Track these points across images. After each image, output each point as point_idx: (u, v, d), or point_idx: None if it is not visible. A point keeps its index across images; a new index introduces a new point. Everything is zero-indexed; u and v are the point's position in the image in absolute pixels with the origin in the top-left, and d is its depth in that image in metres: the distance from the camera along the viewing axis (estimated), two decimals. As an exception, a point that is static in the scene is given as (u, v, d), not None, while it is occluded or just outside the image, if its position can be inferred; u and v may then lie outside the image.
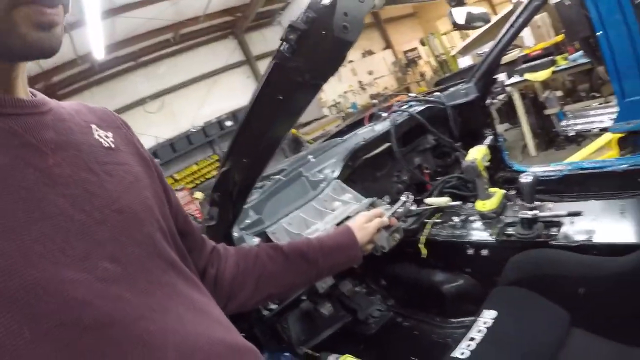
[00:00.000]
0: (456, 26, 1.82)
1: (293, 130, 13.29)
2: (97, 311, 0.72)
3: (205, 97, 12.50)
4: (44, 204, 0.74)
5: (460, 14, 1.81)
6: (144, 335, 0.77)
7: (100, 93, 11.30)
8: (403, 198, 1.77)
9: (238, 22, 13.06)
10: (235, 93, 13.17)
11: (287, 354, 1.91)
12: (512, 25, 2.29)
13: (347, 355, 1.86)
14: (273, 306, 1.83)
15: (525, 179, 1.68)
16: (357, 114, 14.85)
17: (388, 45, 17.87)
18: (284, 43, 0.99)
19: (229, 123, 12.24)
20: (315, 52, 0.98)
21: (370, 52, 17.15)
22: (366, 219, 1.58)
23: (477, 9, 1.87)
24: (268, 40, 14.37)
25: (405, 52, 17.64)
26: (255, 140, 1.29)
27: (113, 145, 0.97)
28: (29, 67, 0.86)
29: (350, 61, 16.37)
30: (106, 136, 0.97)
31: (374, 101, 15.64)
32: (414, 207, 1.88)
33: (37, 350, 0.65)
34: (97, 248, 0.78)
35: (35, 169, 0.76)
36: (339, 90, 15.84)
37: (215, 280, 1.23)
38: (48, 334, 0.66)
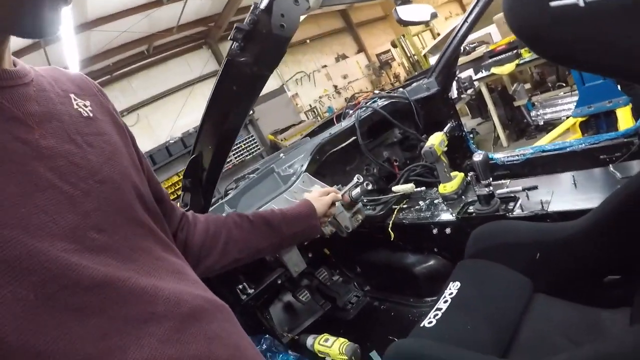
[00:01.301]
0: (400, 22, 1.90)
1: (271, 137, 13.36)
2: (91, 274, 0.75)
3: (181, 108, 12.36)
4: (34, 178, 0.76)
5: (404, 12, 1.90)
6: (136, 292, 0.81)
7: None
8: (355, 179, 1.84)
9: (211, 32, 13.02)
10: (211, 102, 13.17)
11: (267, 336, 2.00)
12: (465, 20, 2.39)
13: (325, 334, 1.94)
14: (250, 290, 1.92)
15: (477, 157, 1.78)
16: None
17: (361, 48, 17.91)
18: (233, 42, 1.10)
19: (207, 134, 12.15)
20: (259, 47, 1.13)
21: (343, 57, 17.19)
22: (321, 193, 1.68)
23: (422, 6, 1.96)
24: (242, 49, 14.43)
25: (378, 54, 17.74)
26: (217, 128, 1.42)
27: (92, 115, 0.98)
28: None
29: (324, 66, 16.42)
30: (85, 105, 0.98)
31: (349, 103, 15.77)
32: (369, 187, 1.96)
33: (43, 313, 0.69)
34: (84, 219, 0.80)
35: (22, 143, 0.78)
36: (315, 95, 15.84)
37: (184, 244, 1.27)
38: (52, 297, 0.70)
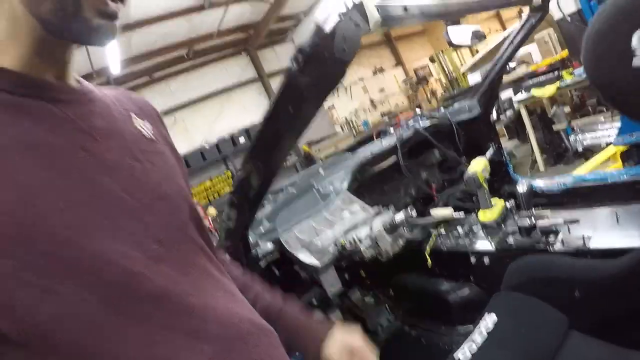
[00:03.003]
0: (451, 45, 1.89)
1: (305, 147, 13.38)
2: (151, 284, 0.79)
3: (218, 113, 12.50)
4: (99, 187, 0.80)
5: (455, 33, 1.89)
6: (189, 308, 0.83)
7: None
8: None
9: (251, 39, 13.12)
10: (247, 110, 13.22)
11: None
12: (511, 42, 2.38)
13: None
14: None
15: (521, 187, 1.77)
16: (368, 131, 14.98)
17: (399, 62, 17.90)
18: (293, 62, 1.11)
19: (242, 140, 12.12)
20: (319, 70, 1.13)
21: (381, 70, 17.20)
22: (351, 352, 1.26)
23: (472, 27, 1.94)
24: (280, 57, 14.41)
25: (416, 69, 17.72)
26: (270, 146, 1.44)
27: (152, 135, 1.03)
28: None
29: (362, 79, 16.45)
30: (145, 126, 1.03)
31: (385, 118, 15.74)
32: (414, 213, 1.95)
33: (102, 317, 0.72)
34: (145, 230, 0.84)
35: (89, 154, 0.82)
36: (351, 108, 15.86)
37: None
38: (110, 302, 0.73)
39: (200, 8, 9.76)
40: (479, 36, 1.90)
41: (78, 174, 0.78)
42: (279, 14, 11.78)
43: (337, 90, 15.64)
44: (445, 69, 14.53)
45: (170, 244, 0.88)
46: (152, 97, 11.47)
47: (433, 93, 16.49)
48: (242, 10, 11.04)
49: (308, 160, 13.50)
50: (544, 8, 2.10)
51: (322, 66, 1.15)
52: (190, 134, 12.20)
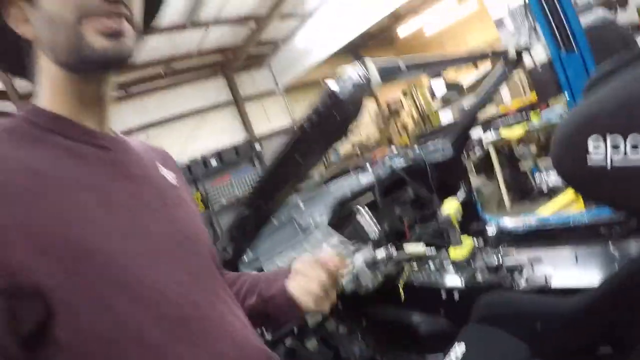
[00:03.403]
0: (433, 96, 2.05)
1: (276, 174, 13.48)
2: (182, 309, 0.91)
3: (191, 134, 12.35)
4: (142, 225, 0.93)
5: (437, 86, 2.04)
6: (213, 333, 0.95)
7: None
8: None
9: (229, 62, 13.20)
10: (221, 132, 13.27)
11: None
12: (484, 90, 2.57)
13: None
14: (268, 336, 2.02)
15: (489, 228, 1.92)
16: (339, 161, 15.14)
17: (371, 94, 18.21)
18: (307, 117, 1.30)
19: (214, 162, 12.16)
20: (329, 127, 1.29)
21: (354, 101, 17.45)
22: (311, 264, 1.29)
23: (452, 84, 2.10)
24: (257, 82, 14.47)
25: (388, 102, 17.99)
26: (275, 189, 1.59)
27: (175, 183, 1.16)
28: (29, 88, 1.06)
29: (335, 109, 16.69)
30: (168, 174, 1.16)
31: (356, 148, 15.92)
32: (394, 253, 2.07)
33: (145, 333, 0.83)
34: (178, 263, 0.96)
35: (129, 195, 0.95)
36: (323, 137, 16.07)
37: None
38: (153, 320, 0.85)
39: (182, 27, 9.80)
40: (458, 89, 2.06)
41: (126, 213, 0.90)
42: (258, 39, 11.93)
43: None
44: (417, 104, 14.76)
45: (196, 275, 0.99)
46: (126, 112, 11.41)
47: (404, 127, 16.72)
48: (222, 32, 11.09)
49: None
50: (517, 61, 2.29)
51: (332, 124, 1.32)
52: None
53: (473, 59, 2.11)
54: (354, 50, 16.91)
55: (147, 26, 1.18)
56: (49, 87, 0.95)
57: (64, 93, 0.94)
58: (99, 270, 0.80)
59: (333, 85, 1.29)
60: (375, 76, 1.32)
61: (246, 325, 1.09)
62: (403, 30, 16.53)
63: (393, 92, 18.01)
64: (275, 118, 14.84)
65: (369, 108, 17.61)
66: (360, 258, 1.99)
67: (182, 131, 12.55)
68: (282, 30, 12.59)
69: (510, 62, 2.30)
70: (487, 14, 7.92)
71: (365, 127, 17.32)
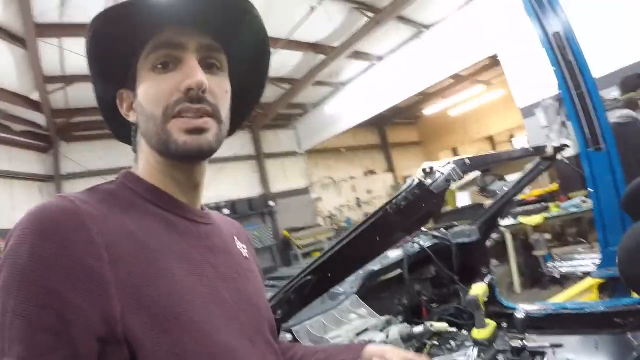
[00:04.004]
0: (483, 192, 2.19)
1: (285, 233, 13.53)
2: None
3: (209, 181, 12.48)
4: (218, 292, 1.00)
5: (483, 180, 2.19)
6: None
7: (112, 148, 10.82)
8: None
9: (257, 119, 13.50)
10: (238, 184, 13.49)
11: None
12: (518, 183, 2.72)
13: None
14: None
15: (519, 314, 2.03)
16: (350, 228, 15.20)
17: (390, 168, 18.44)
18: (393, 202, 1.45)
19: (226, 211, 12.21)
20: (413, 215, 1.43)
21: (372, 172, 17.62)
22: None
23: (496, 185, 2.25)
24: (281, 141, 14.91)
25: (406, 177, 18.18)
26: (345, 263, 1.71)
27: (247, 256, 1.26)
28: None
29: (353, 177, 16.84)
30: (243, 247, 1.26)
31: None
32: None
33: None
34: (242, 329, 1.01)
35: (211, 266, 1.02)
36: (337, 203, 16.16)
37: None
38: None
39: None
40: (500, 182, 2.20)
41: (207, 282, 0.98)
42: (290, 101, 12.28)
43: (328, 184, 15.99)
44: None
45: (256, 343, 1.05)
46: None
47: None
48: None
49: (285, 245, 13.65)
50: (553, 158, 2.45)
51: (417, 213, 1.45)
52: None
53: (518, 157, 2.26)
54: (379, 123, 17.31)
55: (239, 124, 1.30)
56: (146, 164, 1.07)
57: (159, 172, 1.06)
58: (182, 330, 0.86)
59: (425, 179, 1.44)
60: (459, 172, 1.47)
61: None
62: (428, 110, 16.89)
63: (412, 169, 18.26)
64: (293, 178, 15.06)
65: (386, 180, 17.80)
66: (396, 330, 2.09)
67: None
68: (314, 96, 12.93)
69: (547, 158, 2.46)
70: (511, 101, 8.14)
71: (380, 199, 17.44)
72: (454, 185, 10.40)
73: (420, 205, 1.46)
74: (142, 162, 1.08)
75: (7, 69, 7.35)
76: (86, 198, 0.90)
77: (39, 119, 9.46)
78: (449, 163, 1.48)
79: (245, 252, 1.26)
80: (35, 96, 8.39)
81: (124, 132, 1.16)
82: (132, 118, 1.07)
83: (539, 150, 2.45)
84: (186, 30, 1.00)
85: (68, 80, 8.22)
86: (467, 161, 1.63)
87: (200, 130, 0.98)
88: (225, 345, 0.94)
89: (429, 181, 1.45)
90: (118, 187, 1.01)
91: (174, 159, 1.03)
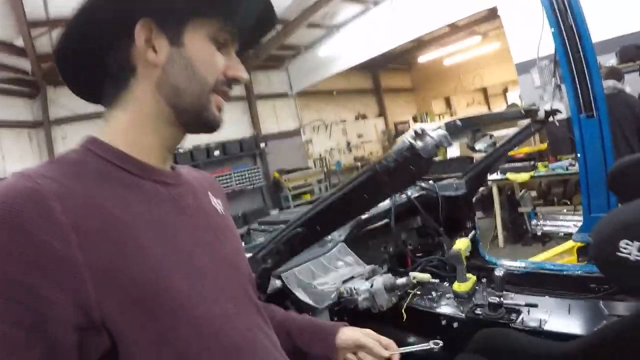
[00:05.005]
0: (472, 149, 2.21)
1: (276, 174, 13.59)
2: (228, 338, 0.95)
3: None
4: (195, 257, 0.96)
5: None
6: (255, 358, 1.00)
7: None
8: (431, 344, 1.73)
9: (248, 59, 13.08)
10: (229, 125, 12.87)
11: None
12: (509, 142, 2.76)
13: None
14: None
15: (498, 272, 2.10)
16: (339, 171, 15.31)
17: (382, 113, 18.33)
18: (383, 162, 1.49)
19: (217, 153, 12.37)
20: (399, 176, 1.48)
21: (364, 116, 17.57)
22: (359, 344, 1.47)
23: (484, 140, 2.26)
24: (272, 83, 14.70)
25: (397, 123, 18.19)
26: (333, 217, 1.77)
27: (222, 211, 1.21)
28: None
29: (344, 121, 16.78)
30: (218, 203, 1.21)
31: (357, 164, 16.09)
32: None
33: None
34: (223, 292, 0.99)
35: (186, 229, 0.99)
36: (327, 146, 16.14)
37: None
38: (212, 354, 0.91)
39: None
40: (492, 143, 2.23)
41: (183, 248, 0.95)
42: (281, 42, 12.05)
43: (318, 127, 15.97)
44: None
45: (239, 304, 1.04)
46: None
47: (409, 149, 16.85)
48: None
49: (276, 186, 13.74)
50: (544, 121, 2.48)
51: (405, 175, 1.50)
52: None
53: (510, 118, 2.28)
54: (372, 68, 17.16)
55: None
56: (131, 119, 1.00)
57: (149, 129, 1.01)
58: (162, 306, 0.84)
59: (415, 142, 1.47)
60: (449, 139, 1.50)
61: (279, 349, 1.14)
62: (423, 57, 16.73)
63: (403, 115, 18.22)
64: (283, 120, 14.99)
65: (377, 125, 17.77)
66: (380, 280, 2.17)
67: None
68: (307, 38, 12.73)
69: (539, 121, 2.49)
70: (507, 55, 8.09)
71: (370, 144, 17.46)
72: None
73: (408, 167, 1.50)
74: (124, 117, 1.00)
75: None
76: (47, 172, 0.83)
77: (24, 64, 9.24)
78: (440, 127, 1.50)
79: (220, 208, 1.22)
80: (19, 42, 8.18)
81: (84, 78, 1.06)
82: (151, 57, 0.96)
83: (530, 113, 2.48)
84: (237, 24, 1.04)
85: (53, 23, 8.00)
86: (459, 123, 1.66)
87: (222, 110, 1.05)
88: (207, 317, 0.92)
89: (419, 143, 1.47)
90: (82, 154, 0.94)
91: (193, 125, 1.04)
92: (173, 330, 0.85)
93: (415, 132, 1.48)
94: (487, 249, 5.87)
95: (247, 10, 1.05)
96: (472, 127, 1.92)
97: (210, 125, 1.04)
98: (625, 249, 0.92)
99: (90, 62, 1.00)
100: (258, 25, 1.15)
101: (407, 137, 1.49)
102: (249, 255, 2.00)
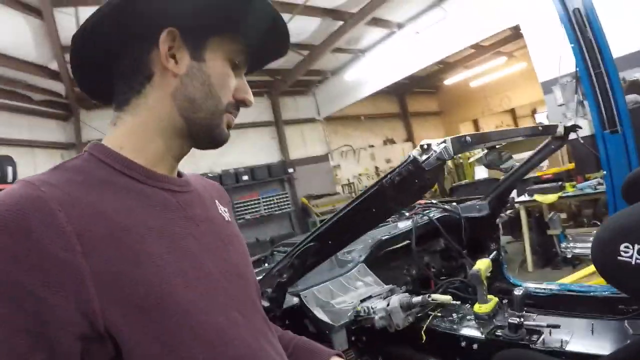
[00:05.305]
0: (487, 166, 2.20)
1: (304, 200, 13.62)
2: (236, 347, 0.93)
3: (227, 146, 12.35)
4: (202, 266, 0.95)
5: (490, 157, 2.21)
6: None
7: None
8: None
9: (275, 84, 13.46)
10: (256, 150, 13.51)
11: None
12: (529, 161, 2.73)
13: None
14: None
15: (518, 292, 2.07)
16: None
17: (409, 137, 18.32)
18: (389, 177, 1.52)
19: (245, 177, 12.46)
20: (405, 190, 1.50)
21: (391, 141, 17.59)
22: None
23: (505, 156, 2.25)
24: (299, 108, 14.86)
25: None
26: (344, 231, 1.80)
27: (229, 220, 1.20)
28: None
29: (372, 146, 16.83)
30: (224, 211, 1.20)
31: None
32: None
33: None
34: (230, 301, 0.98)
35: (193, 237, 0.97)
36: (355, 171, 16.17)
37: None
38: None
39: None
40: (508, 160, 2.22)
41: (190, 256, 0.93)
42: (309, 68, 12.19)
43: (347, 152, 16.01)
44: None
45: (245, 313, 1.02)
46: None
47: (436, 174, 16.76)
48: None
49: (304, 212, 13.76)
50: (563, 138, 2.46)
51: (410, 188, 1.52)
52: (196, 159, 12.03)
53: (526, 135, 2.27)
54: (399, 92, 17.22)
55: None
56: (141, 125, 0.99)
57: (158, 137, 1.00)
58: (166, 315, 0.83)
59: (419, 156, 1.50)
60: (451, 152, 1.51)
61: (282, 356, 1.12)
62: (449, 80, 16.73)
63: (431, 139, 18.15)
64: (311, 145, 15.07)
65: (405, 149, 17.75)
66: (396, 299, 2.16)
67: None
68: (333, 63, 12.85)
69: (558, 138, 2.47)
70: (533, 74, 8.04)
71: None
72: (472, 159, 10.39)
73: (413, 180, 1.52)
74: (134, 122, 0.99)
75: (25, 40, 7.40)
76: (51, 179, 0.82)
77: (59, 87, 9.52)
78: (444, 141, 1.51)
79: (227, 216, 1.20)
80: (53, 65, 8.41)
81: (96, 80, 1.06)
82: (172, 66, 0.96)
83: (548, 129, 2.46)
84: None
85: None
86: (468, 139, 1.66)
87: (230, 127, 1.08)
88: (212, 324, 0.90)
89: (423, 157, 1.49)
90: (86, 161, 0.93)
91: (202, 139, 1.05)
92: (177, 337, 0.84)
93: (421, 147, 1.50)
94: (515, 274, 5.82)
95: (264, 33, 1.06)
96: (483, 142, 1.92)
97: (218, 142, 1.06)
98: (625, 252, 0.92)
99: (104, 59, 0.99)
100: (273, 49, 1.18)
101: (413, 152, 1.51)
102: (266, 271, 2.03)
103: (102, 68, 1.01)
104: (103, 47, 0.96)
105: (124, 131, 0.99)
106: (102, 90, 1.07)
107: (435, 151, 1.49)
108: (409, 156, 1.53)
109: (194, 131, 1.02)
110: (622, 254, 0.92)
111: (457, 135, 1.61)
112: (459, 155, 14.27)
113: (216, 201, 1.20)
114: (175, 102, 0.98)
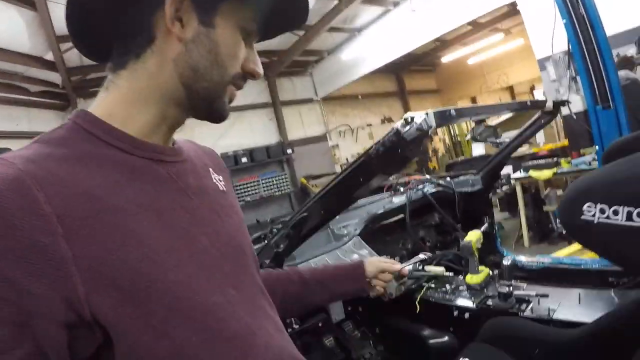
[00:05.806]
0: (474, 140, 2.26)
1: (303, 180, 13.65)
2: (230, 326, 0.90)
3: (226, 129, 12.40)
4: (196, 242, 0.91)
5: (478, 130, 2.26)
6: (257, 348, 0.94)
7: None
8: (421, 256, 2.26)
9: (272, 65, 13.30)
10: (255, 132, 13.46)
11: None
12: (520, 135, 2.78)
13: None
14: (295, 326, 2.26)
15: (506, 261, 2.14)
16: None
17: (407, 116, 18.27)
18: (374, 148, 1.62)
19: (244, 160, 12.38)
20: (390, 160, 1.60)
21: (389, 120, 17.49)
22: (381, 261, 1.99)
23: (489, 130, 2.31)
24: (297, 88, 14.77)
25: (422, 125, 18.09)
26: (335, 201, 1.90)
27: (225, 189, 1.14)
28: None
29: (369, 125, 16.78)
30: (219, 179, 1.15)
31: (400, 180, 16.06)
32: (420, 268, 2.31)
33: (200, 355, 0.85)
34: (225, 278, 0.95)
35: (186, 211, 0.93)
36: (354, 150, 16.11)
37: None
38: (207, 343, 0.86)
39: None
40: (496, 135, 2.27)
41: (182, 232, 0.89)
42: (306, 47, 12.13)
43: (345, 132, 16.01)
44: (451, 131, 14.80)
45: (242, 288, 1.00)
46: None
47: (435, 152, 16.84)
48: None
49: (303, 192, 13.79)
50: (554, 112, 2.51)
51: (392, 158, 1.60)
52: (196, 141, 12.29)
53: (514, 109, 2.31)
54: (396, 70, 17.16)
55: None
56: (136, 91, 0.93)
57: (153, 105, 0.95)
58: (156, 299, 0.80)
59: (401, 127, 1.56)
60: (432, 123, 1.57)
61: (284, 334, 1.10)
62: (446, 57, 16.66)
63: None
64: (309, 126, 15.02)
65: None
66: None
67: (219, 125, 12.71)
68: (329, 42, 12.78)
69: (548, 113, 2.52)
70: (531, 51, 8.03)
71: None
72: (468, 135, 10.41)
73: (396, 150, 1.59)
74: (129, 87, 0.93)
75: (19, 32, 7.37)
76: (30, 154, 0.78)
77: (55, 78, 9.48)
78: (426, 114, 1.57)
79: (222, 185, 1.15)
80: (49, 56, 8.38)
81: (95, 37, 0.97)
82: (177, 30, 0.90)
83: (537, 104, 2.50)
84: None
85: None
86: (452, 112, 1.73)
87: (232, 101, 1.03)
88: (206, 305, 0.87)
89: (405, 129, 1.55)
90: (69, 131, 0.87)
91: (201, 111, 1.01)
92: (169, 322, 0.81)
93: (405, 120, 1.56)
94: (512, 249, 5.89)
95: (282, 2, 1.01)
96: (468, 116, 1.98)
97: (218, 115, 1.01)
98: (589, 211, 0.97)
99: (104, 15, 0.91)
100: (288, 19, 1.11)
101: (397, 124, 1.57)
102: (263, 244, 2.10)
103: (103, 25, 0.93)
104: (104, 1, 0.89)
105: (116, 97, 0.93)
106: (100, 51, 0.99)
107: (416, 123, 1.55)
108: (392, 128, 1.60)
109: (194, 101, 0.96)
110: (586, 213, 0.97)
111: (441, 109, 1.67)
112: (457, 133, 14.35)
113: (210, 169, 1.15)
114: (176, 69, 0.92)
